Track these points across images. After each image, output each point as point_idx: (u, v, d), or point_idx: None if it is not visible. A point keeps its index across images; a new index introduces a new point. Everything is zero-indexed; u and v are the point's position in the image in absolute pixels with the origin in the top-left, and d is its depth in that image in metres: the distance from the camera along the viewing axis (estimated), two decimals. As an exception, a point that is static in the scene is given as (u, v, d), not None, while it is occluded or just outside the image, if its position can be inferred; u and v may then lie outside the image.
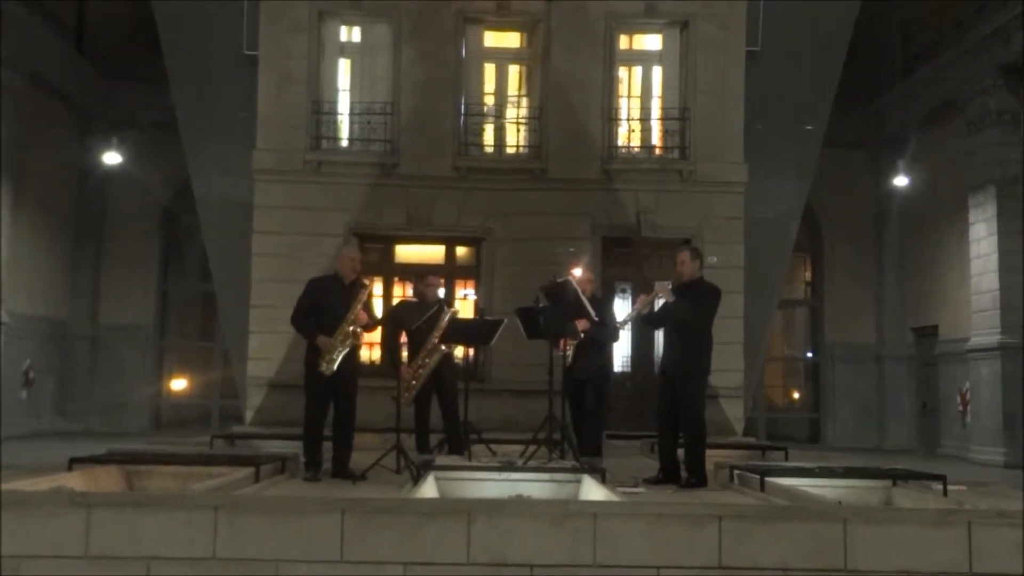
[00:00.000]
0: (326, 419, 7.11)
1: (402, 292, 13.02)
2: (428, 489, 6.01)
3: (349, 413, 7.07)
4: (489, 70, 13.84)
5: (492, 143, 13.67)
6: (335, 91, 13.63)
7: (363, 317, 6.97)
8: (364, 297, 7.01)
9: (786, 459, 9.28)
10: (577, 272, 8.19)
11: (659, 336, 11.79)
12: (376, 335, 12.12)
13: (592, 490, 6.11)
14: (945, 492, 6.35)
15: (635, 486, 6.58)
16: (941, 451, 15.33)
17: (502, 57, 13.94)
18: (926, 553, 4.53)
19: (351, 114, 13.52)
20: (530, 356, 9.25)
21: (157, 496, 5.17)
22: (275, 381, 12.34)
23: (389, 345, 8.31)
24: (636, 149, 13.64)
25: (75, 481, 5.77)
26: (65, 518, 4.51)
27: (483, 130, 13.63)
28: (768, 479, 6.28)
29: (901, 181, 16.12)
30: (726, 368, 11.47)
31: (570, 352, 7.82)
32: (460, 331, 8.20)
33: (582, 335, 7.75)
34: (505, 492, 6.25)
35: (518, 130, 13.59)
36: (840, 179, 16.74)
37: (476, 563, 4.45)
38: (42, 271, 15.93)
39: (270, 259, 12.63)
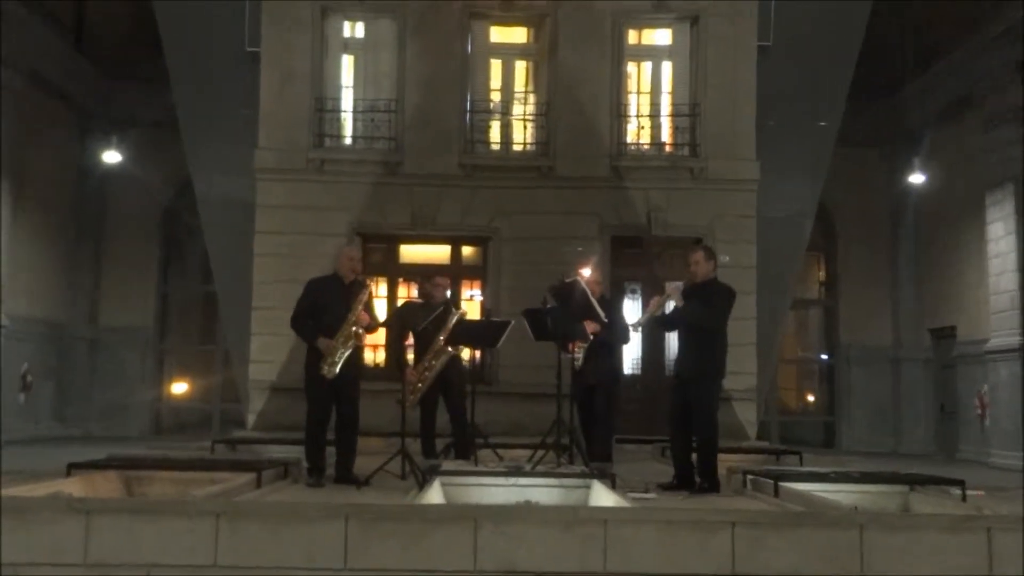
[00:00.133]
0: (328, 423, 7.10)
1: (407, 293, 13.01)
2: (434, 495, 5.99)
3: (352, 417, 7.06)
4: (495, 66, 13.84)
5: (498, 140, 13.66)
6: (338, 88, 13.64)
7: (364, 318, 6.95)
8: (365, 297, 6.98)
9: (800, 464, 9.24)
10: (586, 272, 8.15)
11: (670, 338, 11.81)
12: (380, 337, 12.31)
13: (602, 496, 6.09)
14: (964, 497, 6.32)
15: (646, 492, 6.56)
16: (959, 455, 15.28)
17: (508, 53, 13.94)
18: (945, 560, 4.51)
19: (355, 111, 13.53)
20: (538, 358, 9.24)
21: (157, 502, 5.19)
22: (277, 384, 12.35)
23: (394, 347, 8.29)
24: (646, 146, 13.62)
25: (74, 487, 5.76)
26: (64, 525, 4.52)
27: (489, 127, 13.63)
28: (782, 484, 6.27)
29: (917, 179, 16.08)
30: (738, 370, 11.43)
31: (580, 355, 7.79)
32: (466, 333, 8.17)
33: (591, 337, 7.72)
34: (513, 498, 6.21)
35: (525, 127, 13.59)
36: (855, 177, 16.69)
37: (483, 571, 4.45)
38: (41, 272, 15.98)
39: (272, 259, 12.64)
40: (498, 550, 4.46)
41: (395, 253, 13.54)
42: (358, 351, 7.10)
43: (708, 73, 13.23)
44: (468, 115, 13.39)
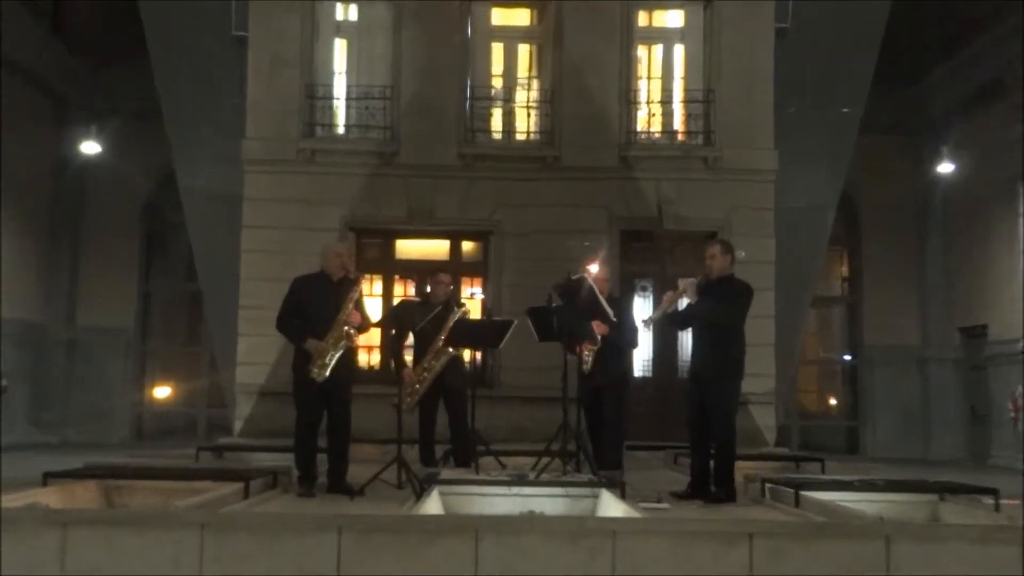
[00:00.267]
0: (319, 428, 7.09)
1: (403, 291, 13.02)
2: (432, 505, 6.01)
3: (344, 422, 7.05)
4: (497, 50, 13.84)
5: (500, 129, 13.66)
6: (330, 74, 13.65)
7: (356, 317, 6.94)
8: (356, 295, 6.97)
9: (822, 471, 9.27)
10: (593, 269, 8.15)
11: (683, 338, 11.80)
12: (375, 338, 12.30)
13: (611, 506, 6.09)
14: (997, 507, 6.31)
15: (658, 501, 6.55)
16: (992, 462, 15.25)
17: (511, 36, 13.93)
18: (976, 573, 4.48)
19: (348, 99, 13.54)
20: (542, 360, 9.22)
21: (139, 513, 5.18)
22: (266, 388, 12.36)
23: (393, 348, 8.28)
24: (657, 135, 13.60)
25: (50, 497, 5.77)
26: (40, 537, 4.51)
27: (491, 115, 13.63)
28: (803, 493, 6.28)
29: (945, 169, 16.06)
30: (756, 372, 11.39)
31: (589, 357, 7.77)
32: (466, 333, 8.18)
33: (600, 340, 7.70)
34: (516, 508, 6.23)
35: (528, 115, 13.58)
36: (879, 167, 16.66)
37: (484, 585, 4.44)
38: (15, 270, 15.94)
39: (260, 256, 12.64)
40: (500, 564, 4.45)
41: (391, 249, 13.54)
42: (350, 352, 7.09)
43: (723, 57, 13.21)
44: (468, 102, 13.38)
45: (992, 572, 4.48)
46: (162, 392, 18.13)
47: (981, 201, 15.96)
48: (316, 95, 13.28)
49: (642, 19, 13.82)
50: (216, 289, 13.34)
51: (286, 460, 7.53)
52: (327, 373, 6.82)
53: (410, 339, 8.34)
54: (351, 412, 7.09)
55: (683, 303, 7.11)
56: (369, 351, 12.79)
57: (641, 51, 13.88)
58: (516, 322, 8.00)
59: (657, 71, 13.93)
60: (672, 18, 13.99)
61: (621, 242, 13.18)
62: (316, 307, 6.93)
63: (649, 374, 13.08)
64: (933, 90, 17.08)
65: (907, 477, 8.17)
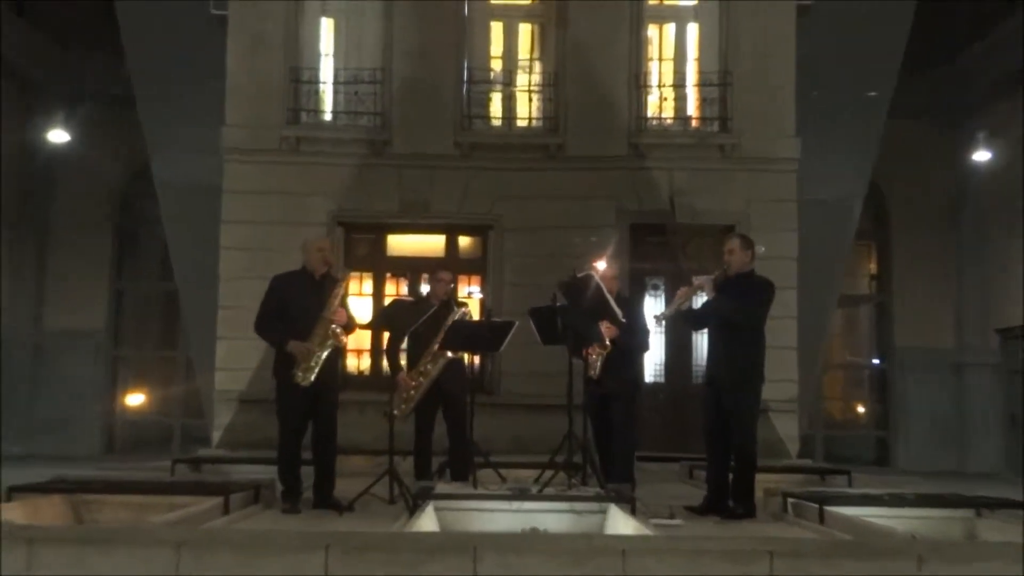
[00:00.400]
0: (304, 438, 7.08)
1: (395, 290, 13.03)
2: (427, 521, 6.01)
3: (330, 430, 7.05)
4: (496, 30, 13.86)
5: (500, 115, 13.68)
6: (316, 56, 13.66)
7: (342, 315, 6.93)
8: (341, 292, 6.98)
9: (849, 485, 9.28)
10: (600, 266, 8.16)
11: (699, 339, 11.80)
12: (365, 340, 12.30)
13: (620, 522, 6.09)
14: (1038, 523, 6.30)
15: (671, 517, 6.56)
16: (1032, 474, 15.25)
17: (512, 15, 13.95)
18: (1017, 595, 4.48)
19: (335, 83, 13.56)
20: (545, 365, 9.22)
21: (110, 530, 5.19)
22: (246, 395, 12.36)
23: (389, 350, 8.26)
24: (669, 121, 13.62)
25: (14, 513, 5.77)
26: (4, 555, 4.51)
27: (489, 100, 13.65)
28: (828, 509, 6.29)
29: (981, 156, 16.07)
30: (777, 378, 11.33)
31: (597, 361, 7.76)
32: (463, 335, 8.15)
33: (609, 343, 7.70)
34: (517, 525, 6.23)
35: (530, 100, 13.60)
36: (910, 155, 16.67)
37: (483, 608, 4.44)
38: (-23, 269, 16.03)
39: (241, 253, 12.64)
40: (501, 584, 4.45)
41: (382, 245, 13.55)
42: (337, 354, 7.08)
43: (740, 36, 13.22)
44: (465, 86, 13.39)
45: (1032, 593, 4.49)
46: (135, 400, 18.16)
47: (1021, 191, 15.95)
48: (301, 79, 13.27)
49: (653, -4, 13.85)
50: (193, 289, 13.37)
51: (269, 473, 7.54)
52: (312, 377, 6.80)
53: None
54: (337, 421, 7.09)
55: (698, 302, 7.10)
56: (359, 355, 12.80)
57: (652, 30, 13.88)
58: (517, 324, 7.99)
59: (669, 52, 13.93)
60: (685, -6, 14.02)
61: (631, 237, 13.18)
62: (298, 306, 6.92)
63: (662, 379, 13.09)
64: (968, 71, 17.08)
65: (941, 491, 8.16)
